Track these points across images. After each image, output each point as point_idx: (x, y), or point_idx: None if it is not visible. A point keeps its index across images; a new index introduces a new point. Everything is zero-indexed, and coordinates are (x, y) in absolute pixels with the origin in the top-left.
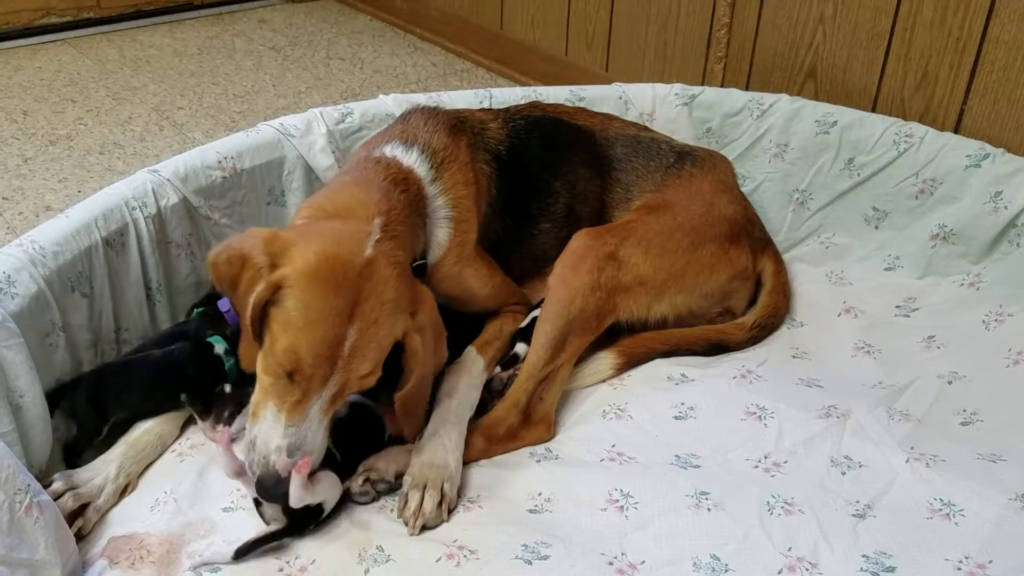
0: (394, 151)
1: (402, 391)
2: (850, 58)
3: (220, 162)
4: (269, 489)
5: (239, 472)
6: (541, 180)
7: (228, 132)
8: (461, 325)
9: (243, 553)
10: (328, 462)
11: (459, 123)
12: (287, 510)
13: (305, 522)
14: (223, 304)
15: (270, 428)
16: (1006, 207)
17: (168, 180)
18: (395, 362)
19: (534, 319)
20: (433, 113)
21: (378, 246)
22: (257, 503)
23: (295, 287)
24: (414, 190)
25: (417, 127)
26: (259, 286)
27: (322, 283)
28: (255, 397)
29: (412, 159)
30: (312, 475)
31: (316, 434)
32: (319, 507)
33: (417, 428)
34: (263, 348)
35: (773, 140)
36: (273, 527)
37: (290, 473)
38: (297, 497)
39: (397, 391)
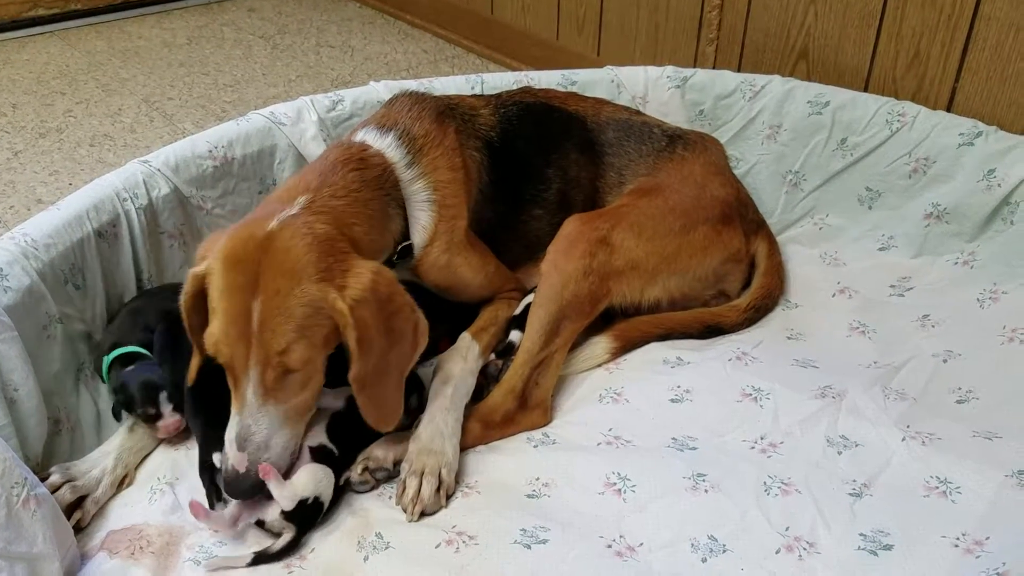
0: (366, 136)
1: (352, 373)
2: (842, 38)
3: (211, 151)
4: (232, 486)
5: (233, 519)
6: (533, 166)
7: (219, 122)
8: (456, 312)
9: (262, 561)
10: (324, 458)
11: (448, 109)
12: (287, 514)
13: (308, 519)
14: None
15: (229, 425)
16: (999, 185)
17: (159, 170)
18: None
19: (528, 306)
20: (419, 99)
21: (289, 220)
22: (260, 524)
23: (211, 273)
24: (375, 172)
25: (400, 113)
26: (186, 283)
27: (225, 263)
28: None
29: (384, 143)
30: (288, 473)
31: (261, 423)
32: (317, 502)
33: (389, 419)
34: None
35: (766, 121)
36: (286, 536)
37: (250, 467)
38: (283, 498)
39: (349, 373)
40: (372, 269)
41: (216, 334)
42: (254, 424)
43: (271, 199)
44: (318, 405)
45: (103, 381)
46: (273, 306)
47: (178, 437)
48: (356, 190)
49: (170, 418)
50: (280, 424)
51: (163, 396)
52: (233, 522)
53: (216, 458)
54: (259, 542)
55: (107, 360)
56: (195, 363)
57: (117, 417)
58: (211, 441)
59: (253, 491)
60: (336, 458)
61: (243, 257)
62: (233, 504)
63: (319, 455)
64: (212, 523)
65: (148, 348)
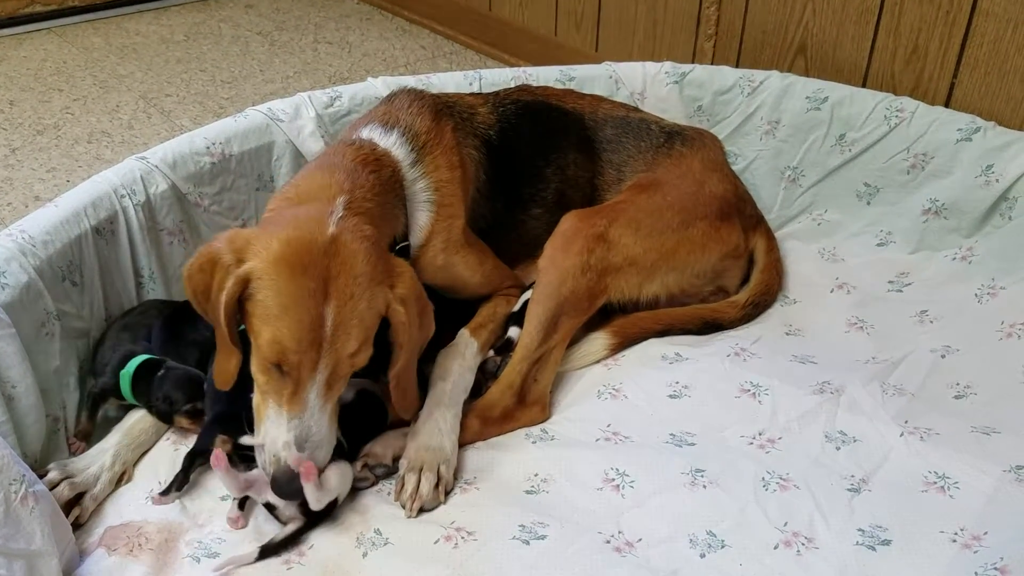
0: (371, 134)
1: (395, 367)
2: (840, 34)
3: (209, 148)
4: (284, 486)
5: (244, 486)
6: (532, 166)
7: (216, 118)
8: (454, 308)
9: (267, 554)
10: (337, 453)
11: (445, 107)
12: (306, 510)
13: (323, 515)
14: None
15: (274, 425)
16: (997, 180)
17: (156, 167)
18: (383, 342)
19: (526, 303)
20: (418, 96)
21: (342, 223)
22: (270, 508)
23: (264, 277)
24: (387, 172)
25: (400, 109)
26: (228, 282)
27: (289, 267)
28: (255, 401)
29: (390, 141)
30: (323, 471)
31: (320, 423)
32: (336, 500)
33: (414, 406)
34: (252, 348)
35: (764, 117)
36: (292, 527)
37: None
38: (315, 499)
39: (390, 369)
40: (408, 268)
41: (285, 340)
42: (315, 425)
43: (303, 196)
44: None
45: (126, 399)
46: (348, 311)
47: (175, 433)
48: (378, 193)
49: None
50: (329, 423)
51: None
52: (243, 489)
53: (245, 439)
54: (257, 532)
55: (128, 374)
56: (235, 363)
57: (168, 420)
58: (213, 432)
59: (302, 492)
60: (346, 451)
61: (310, 263)
62: (256, 473)
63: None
64: (226, 478)
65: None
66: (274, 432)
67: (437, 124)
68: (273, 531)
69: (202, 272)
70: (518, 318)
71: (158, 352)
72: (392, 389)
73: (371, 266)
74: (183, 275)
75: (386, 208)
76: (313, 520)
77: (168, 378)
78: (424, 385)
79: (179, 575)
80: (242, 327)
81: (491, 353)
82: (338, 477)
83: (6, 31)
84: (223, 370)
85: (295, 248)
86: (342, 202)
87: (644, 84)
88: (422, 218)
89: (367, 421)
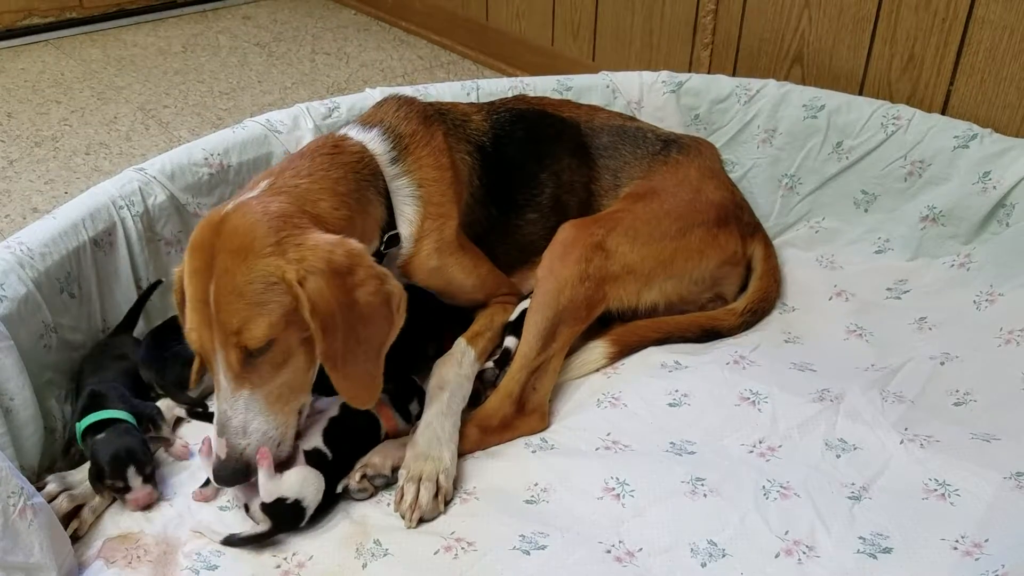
0: (348, 131)
1: (317, 350)
2: (836, 42)
3: (207, 159)
4: (217, 472)
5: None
6: (526, 171)
7: (214, 129)
8: (452, 317)
9: (232, 544)
10: (318, 462)
11: (437, 114)
12: (264, 507)
13: (286, 520)
14: None
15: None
16: (995, 187)
17: (155, 178)
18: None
19: (523, 312)
20: (407, 101)
21: (245, 201)
22: (246, 507)
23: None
24: (349, 157)
25: (386, 112)
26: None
27: (188, 251)
28: None
29: (367, 137)
30: (282, 468)
31: (237, 407)
32: (298, 505)
33: (362, 395)
34: None
35: (761, 125)
36: (259, 528)
37: (241, 454)
38: (266, 490)
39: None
40: (330, 240)
41: (188, 323)
42: (230, 409)
43: (240, 190)
44: (316, 408)
45: (78, 444)
46: (223, 285)
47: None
48: (324, 170)
49: (140, 491)
50: (259, 410)
51: (131, 470)
52: (213, 495)
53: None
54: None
55: (80, 428)
56: (197, 363)
57: (93, 486)
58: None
59: (236, 478)
60: (329, 463)
61: (200, 243)
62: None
63: (313, 459)
64: (197, 495)
65: (117, 393)
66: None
67: (426, 128)
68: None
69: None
70: (515, 327)
71: (142, 367)
72: (329, 373)
73: (253, 239)
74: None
75: (338, 184)
76: (277, 525)
77: (99, 446)
78: (411, 393)
79: None
80: None
81: (491, 364)
82: (296, 478)
83: (3, 43)
84: (192, 370)
85: (196, 232)
86: (264, 184)
87: (641, 93)
88: (408, 211)
89: (359, 434)
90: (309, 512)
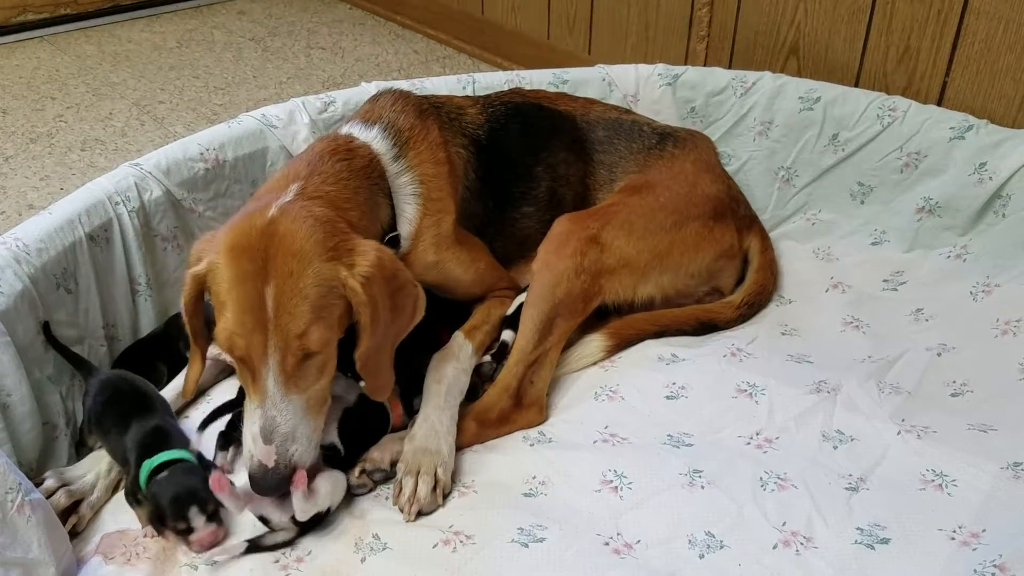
0: (351, 129)
1: (359, 349)
2: (832, 34)
3: (202, 154)
4: (259, 483)
5: (245, 502)
6: (522, 164)
7: (210, 125)
8: (448, 311)
9: (254, 549)
10: (332, 459)
11: (432, 107)
12: (295, 521)
13: (314, 525)
14: None
15: (248, 420)
16: (991, 178)
17: (150, 173)
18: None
19: (520, 306)
20: (402, 95)
21: (286, 206)
22: (264, 520)
23: (214, 269)
24: (361, 161)
25: (383, 108)
26: (186, 282)
27: (229, 254)
28: (246, 404)
29: (370, 135)
30: (312, 479)
31: (286, 413)
32: (328, 511)
33: (385, 387)
34: None
35: (757, 118)
36: (284, 535)
37: (289, 461)
38: (302, 510)
39: (356, 350)
40: (375, 247)
41: (230, 327)
42: (279, 415)
43: (261, 192)
44: (333, 395)
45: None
46: (287, 288)
47: None
48: (345, 178)
49: (204, 530)
50: (303, 414)
51: (194, 510)
52: (244, 505)
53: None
54: (254, 530)
55: (147, 468)
56: (194, 371)
57: (155, 528)
58: None
59: (280, 486)
60: (342, 459)
61: (248, 245)
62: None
63: (327, 456)
64: (229, 500)
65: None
66: (248, 427)
67: (422, 121)
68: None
69: (184, 285)
70: (512, 321)
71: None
72: (360, 370)
73: (314, 243)
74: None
75: (358, 193)
76: (304, 532)
77: (160, 488)
78: (418, 387)
79: None
80: None
81: (487, 358)
82: (329, 488)
83: None
84: (188, 378)
85: (235, 235)
86: (295, 188)
87: (637, 86)
88: (408, 210)
89: (367, 426)
90: (333, 510)
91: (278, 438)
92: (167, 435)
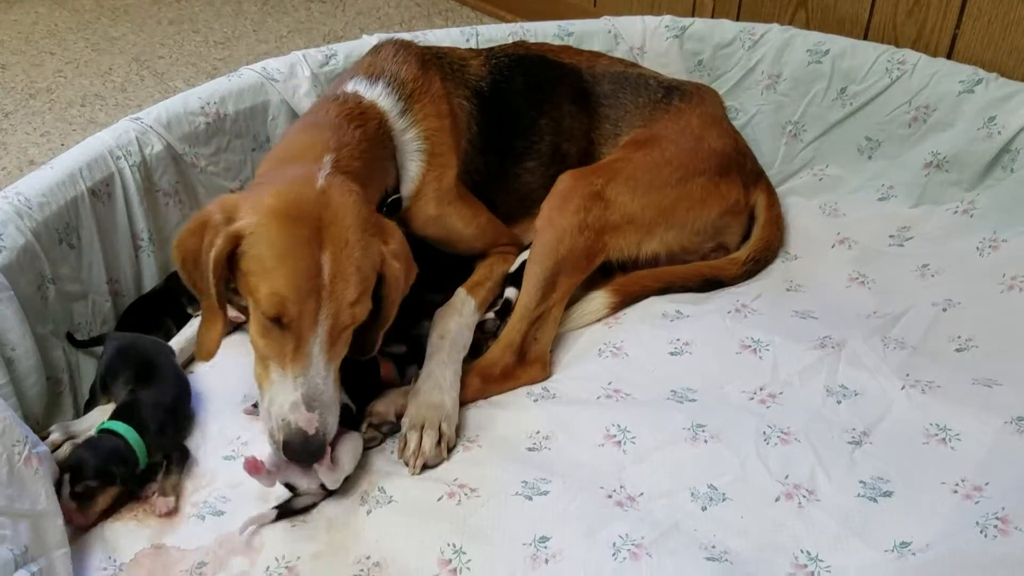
0: (356, 87)
1: (387, 320)
2: None
3: (203, 108)
4: (298, 450)
5: (276, 475)
6: (526, 118)
7: (210, 79)
8: (451, 267)
9: (285, 515)
10: (346, 419)
11: (434, 57)
12: (323, 487)
13: (339, 486)
14: None
15: (280, 388)
16: (999, 132)
17: (151, 127)
18: None
19: (523, 263)
20: (404, 45)
21: (330, 178)
22: (291, 488)
23: (256, 231)
24: (374, 125)
25: (385, 60)
26: (218, 240)
27: (281, 217)
28: (256, 369)
29: (376, 92)
30: (335, 444)
31: (327, 381)
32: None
33: (375, 347)
34: (250, 311)
35: (765, 71)
36: (312, 499)
37: (326, 428)
38: (333, 480)
39: (381, 326)
40: (396, 226)
41: (283, 290)
42: (323, 383)
43: (282, 155)
44: None
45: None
46: (345, 257)
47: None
48: (365, 149)
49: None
50: (335, 383)
51: (66, 477)
52: (276, 478)
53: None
54: (262, 490)
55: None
56: (219, 330)
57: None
58: None
59: (318, 454)
60: (353, 416)
61: (301, 212)
62: (277, 458)
63: (342, 416)
64: (264, 479)
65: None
66: (281, 396)
67: (424, 73)
68: (278, 488)
69: (193, 236)
70: (516, 279)
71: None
72: (375, 340)
73: (363, 218)
74: (173, 243)
75: (375, 164)
76: (329, 492)
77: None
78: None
79: (185, 534)
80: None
81: (491, 315)
82: (350, 453)
83: None
84: (208, 339)
85: (286, 200)
86: (329, 160)
87: (644, 38)
88: (413, 168)
89: (363, 381)
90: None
91: (320, 406)
92: (133, 409)
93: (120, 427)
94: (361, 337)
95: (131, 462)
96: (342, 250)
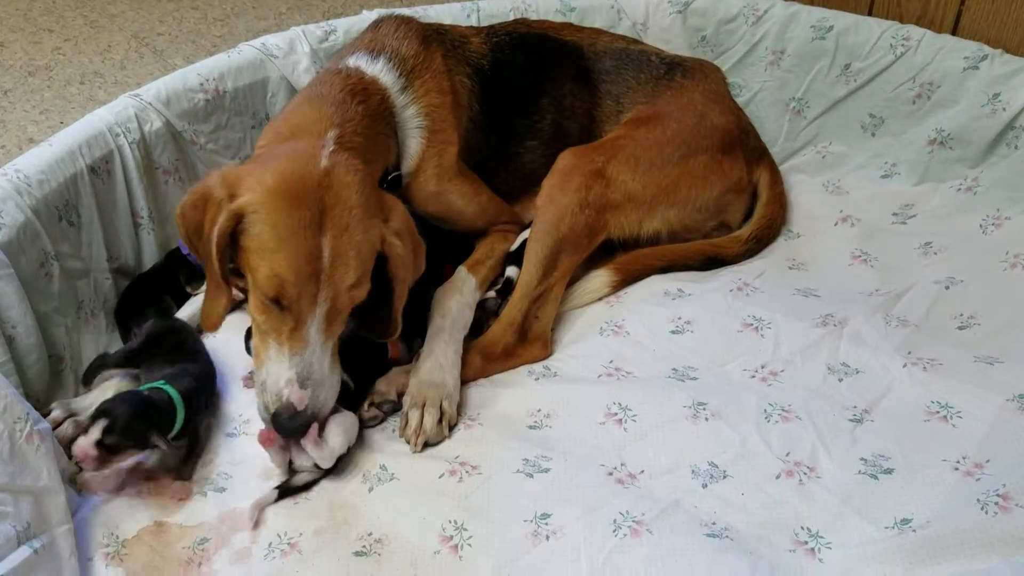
0: (358, 61)
1: (399, 300)
2: None
3: (202, 84)
4: (286, 423)
5: (287, 453)
6: (527, 97)
7: (209, 56)
8: (451, 246)
9: (286, 494)
10: (344, 397)
11: (435, 34)
12: (318, 465)
13: (336, 464)
14: (184, 247)
15: (275, 364)
16: (1004, 109)
17: (150, 104)
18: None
19: (524, 242)
20: (405, 21)
21: (333, 157)
22: (292, 468)
23: (258, 210)
24: (376, 100)
25: (386, 35)
26: (220, 217)
27: (283, 199)
28: (255, 342)
29: (377, 68)
30: (326, 422)
31: (322, 361)
32: (348, 451)
33: (397, 331)
34: (249, 287)
35: (769, 47)
36: (309, 477)
37: (316, 405)
38: (321, 456)
39: (395, 304)
40: (399, 202)
41: (283, 273)
42: (316, 363)
43: (283, 129)
44: None
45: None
46: (345, 241)
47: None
48: (368, 125)
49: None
50: (330, 361)
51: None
52: (287, 456)
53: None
54: (264, 469)
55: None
56: (224, 303)
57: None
58: None
59: (303, 430)
60: (352, 393)
61: (303, 194)
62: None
63: (341, 393)
64: (274, 452)
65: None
66: (276, 371)
67: (425, 49)
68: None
69: (195, 209)
70: (516, 257)
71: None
72: (394, 320)
73: (364, 197)
74: (176, 213)
75: (377, 140)
76: (328, 470)
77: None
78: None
79: (187, 511)
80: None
81: (491, 293)
82: (342, 433)
83: None
84: (212, 311)
85: (289, 180)
86: (332, 136)
87: (647, 14)
88: (413, 145)
89: (369, 362)
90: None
91: (313, 384)
92: (183, 377)
93: (169, 388)
94: (378, 318)
95: (168, 422)
96: (342, 234)
